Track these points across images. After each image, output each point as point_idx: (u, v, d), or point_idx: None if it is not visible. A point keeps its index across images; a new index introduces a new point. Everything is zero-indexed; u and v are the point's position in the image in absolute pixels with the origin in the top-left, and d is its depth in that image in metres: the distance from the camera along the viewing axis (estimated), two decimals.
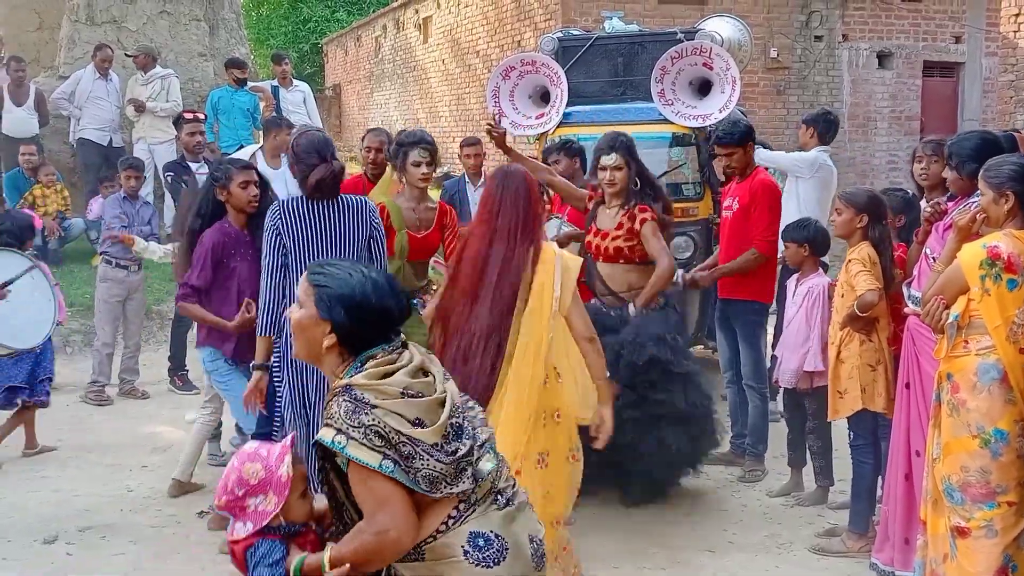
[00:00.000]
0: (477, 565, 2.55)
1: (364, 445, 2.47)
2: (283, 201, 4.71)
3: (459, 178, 8.60)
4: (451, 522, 2.58)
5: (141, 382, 8.42)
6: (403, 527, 2.51)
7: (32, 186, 11.18)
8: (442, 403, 2.59)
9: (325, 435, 2.51)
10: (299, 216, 4.60)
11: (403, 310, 2.67)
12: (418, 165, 5.45)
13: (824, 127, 7.57)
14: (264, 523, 2.66)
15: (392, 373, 2.56)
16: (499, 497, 2.64)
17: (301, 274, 4.40)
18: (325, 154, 4.60)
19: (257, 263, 4.94)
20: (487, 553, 2.56)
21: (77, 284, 10.49)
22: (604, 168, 5.73)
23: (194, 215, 5.55)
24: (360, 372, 2.56)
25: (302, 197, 4.66)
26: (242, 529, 2.68)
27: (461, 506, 2.58)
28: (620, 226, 5.71)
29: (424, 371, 2.64)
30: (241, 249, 5.43)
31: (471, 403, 2.78)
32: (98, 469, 6.61)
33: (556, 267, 4.22)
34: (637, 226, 5.64)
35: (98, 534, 5.58)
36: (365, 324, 2.58)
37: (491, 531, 2.58)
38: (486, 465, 2.62)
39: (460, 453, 2.57)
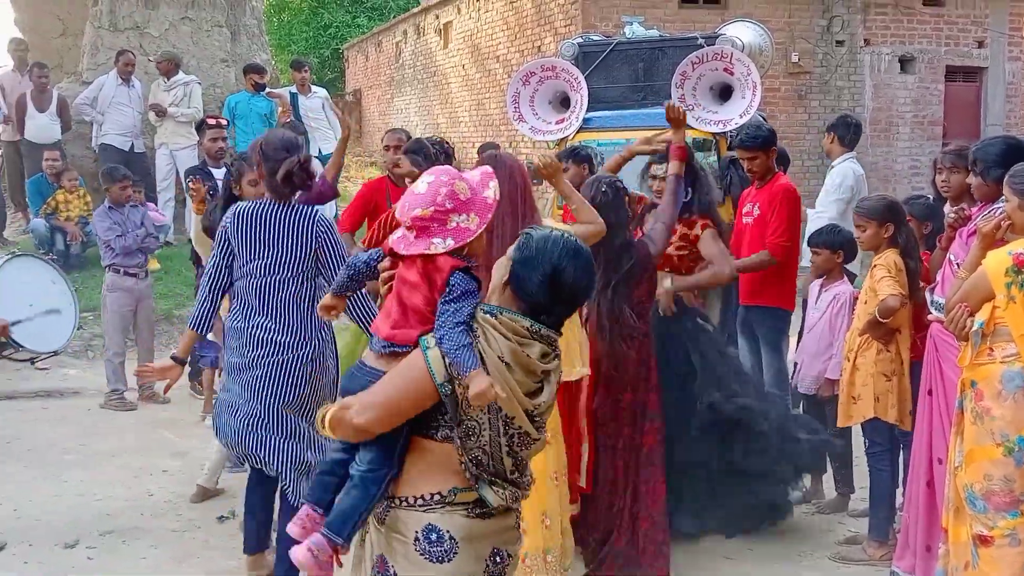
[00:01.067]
0: (421, 555, 2.64)
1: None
2: (237, 206, 4.63)
3: None
4: (419, 502, 2.66)
5: (161, 387, 8.44)
6: (373, 419, 2.64)
7: (55, 191, 11.28)
8: (527, 413, 2.66)
9: (427, 339, 2.69)
10: (248, 222, 4.50)
11: (579, 280, 2.69)
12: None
13: (845, 132, 7.51)
14: (466, 240, 2.75)
15: (508, 337, 2.63)
16: (476, 507, 2.69)
17: (246, 278, 4.45)
18: (293, 150, 4.51)
19: None
20: (434, 548, 2.64)
21: (99, 289, 10.52)
22: (655, 177, 5.59)
23: (221, 210, 5.61)
24: (494, 314, 2.67)
25: (256, 203, 4.57)
26: (441, 244, 2.75)
27: (437, 496, 2.66)
28: (674, 232, 5.44)
29: (537, 380, 2.68)
30: None
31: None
32: (119, 473, 6.64)
33: None
34: (698, 231, 5.50)
35: (119, 538, 5.61)
36: (530, 268, 2.66)
37: (447, 530, 2.64)
38: (489, 495, 2.68)
39: (484, 444, 2.65)
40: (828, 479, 6.05)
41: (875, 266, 5.06)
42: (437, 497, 2.66)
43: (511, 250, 2.73)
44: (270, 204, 4.52)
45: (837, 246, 5.84)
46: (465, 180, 2.78)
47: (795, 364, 6.13)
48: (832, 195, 7.61)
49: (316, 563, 2.72)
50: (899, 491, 5.34)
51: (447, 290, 2.70)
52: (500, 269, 2.74)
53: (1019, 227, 4.02)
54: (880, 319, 4.93)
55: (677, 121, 5.32)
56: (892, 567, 4.96)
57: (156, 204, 11.54)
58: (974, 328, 4.00)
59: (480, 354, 2.60)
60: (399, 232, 2.82)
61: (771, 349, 6.36)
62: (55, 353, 8.83)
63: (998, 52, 16.54)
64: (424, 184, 2.77)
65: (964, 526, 4.07)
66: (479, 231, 2.77)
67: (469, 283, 2.72)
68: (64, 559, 5.35)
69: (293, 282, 4.48)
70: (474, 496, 2.66)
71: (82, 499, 6.18)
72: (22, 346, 6.56)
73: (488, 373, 2.58)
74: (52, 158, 11.48)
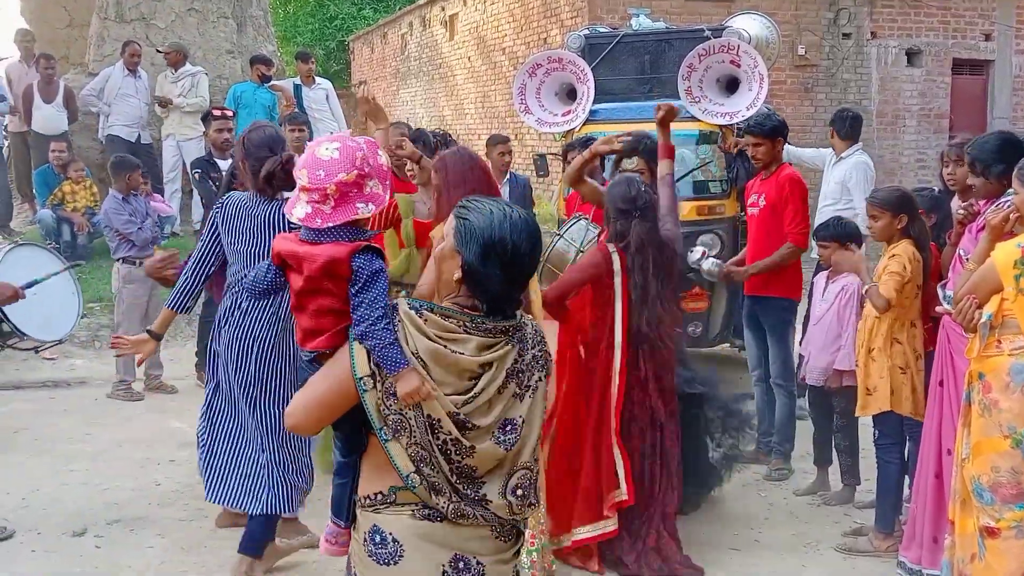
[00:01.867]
0: (368, 556, 2.60)
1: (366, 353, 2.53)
2: (228, 196, 4.72)
3: None
4: (367, 502, 2.61)
5: (168, 377, 8.47)
6: (301, 418, 2.60)
7: (61, 182, 11.29)
8: (454, 416, 2.50)
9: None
10: (237, 214, 4.60)
11: (535, 257, 2.59)
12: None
13: (842, 125, 7.50)
14: (381, 206, 2.70)
15: (430, 338, 2.49)
16: (423, 509, 2.56)
17: (232, 268, 4.54)
18: (276, 148, 4.57)
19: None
20: (379, 550, 2.57)
21: (105, 279, 10.56)
22: (625, 171, 5.65)
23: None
24: (419, 311, 2.53)
25: (246, 196, 4.65)
26: (365, 209, 2.66)
27: (379, 496, 2.58)
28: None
29: (472, 377, 2.51)
30: None
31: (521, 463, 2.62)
32: (127, 463, 6.67)
33: None
34: None
35: (126, 527, 5.63)
36: (489, 263, 2.50)
37: (390, 532, 2.56)
38: (424, 494, 2.53)
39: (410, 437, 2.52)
40: (834, 470, 6.05)
41: (893, 255, 5.05)
42: (380, 496, 2.58)
43: (453, 241, 2.54)
44: (257, 199, 4.59)
45: (845, 239, 5.81)
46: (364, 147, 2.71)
47: (801, 356, 6.13)
48: (859, 190, 7.56)
49: (336, 546, 2.83)
50: (905, 483, 5.35)
51: (353, 277, 2.58)
52: (444, 263, 2.57)
53: None
54: (871, 300, 5.00)
55: (665, 123, 5.35)
56: (899, 557, 4.96)
57: (162, 195, 11.56)
58: (982, 320, 4.00)
59: None
60: (303, 207, 2.65)
61: (778, 340, 6.37)
62: (59, 342, 8.84)
63: (1005, 45, 16.49)
64: (333, 149, 2.65)
65: (971, 518, 4.07)
66: (387, 196, 2.71)
67: (373, 261, 2.59)
68: (72, 548, 5.37)
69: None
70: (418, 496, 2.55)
71: (89, 489, 6.20)
72: (26, 335, 6.56)
73: None
74: (59, 149, 11.49)
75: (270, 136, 4.67)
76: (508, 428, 2.56)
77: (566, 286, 4.96)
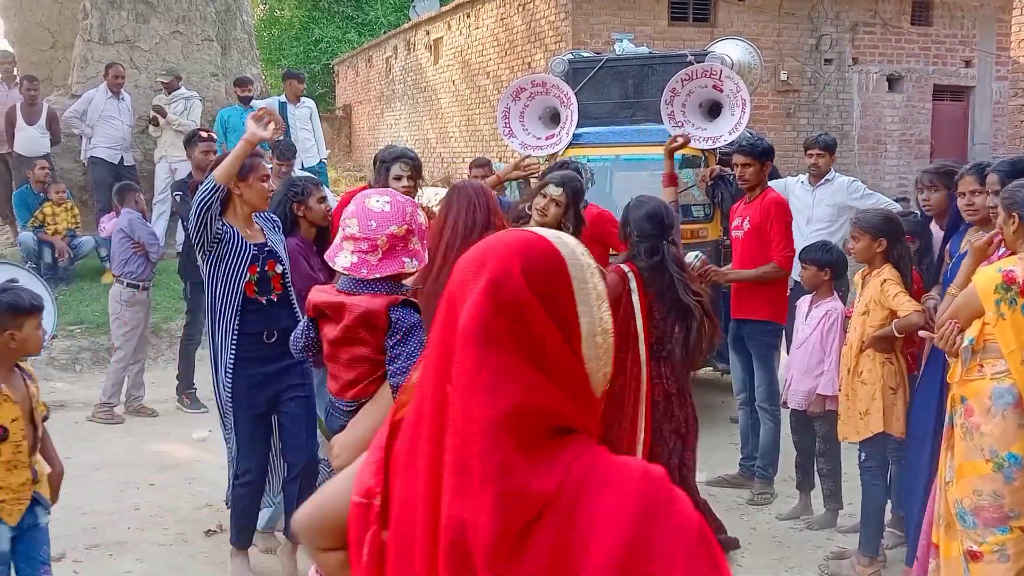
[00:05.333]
0: None
1: None
2: None
3: None
4: None
5: (149, 400, 8.42)
6: (349, 459, 2.60)
7: (42, 204, 11.23)
8: None
9: None
10: None
11: None
12: (399, 179, 5.46)
13: (835, 146, 7.65)
14: (424, 262, 2.76)
15: None
16: None
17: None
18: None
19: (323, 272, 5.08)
20: None
21: (87, 302, 10.53)
22: (545, 196, 5.63)
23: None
24: None
25: None
26: (410, 264, 2.71)
27: None
28: None
29: None
30: (312, 259, 5.46)
31: None
32: (106, 487, 6.60)
33: None
34: None
35: (105, 551, 5.57)
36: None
37: None
38: None
39: None
40: (817, 494, 6.05)
41: (885, 280, 5.05)
42: None
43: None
44: None
45: (825, 263, 5.83)
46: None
47: (784, 380, 6.13)
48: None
49: None
50: (888, 506, 5.35)
51: (390, 329, 2.59)
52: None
53: (1008, 242, 4.04)
54: (897, 334, 4.94)
55: (669, 152, 5.64)
56: None
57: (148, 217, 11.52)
58: (964, 344, 4.02)
59: None
60: (347, 256, 2.66)
61: (763, 363, 6.37)
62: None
63: (985, 71, 16.66)
64: (384, 202, 2.68)
65: (955, 542, 4.08)
66: (425, 254, 2.76)
67: (411, 315, 2.62)
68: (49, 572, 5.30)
69: None
70: None
71: (68, 512, 6.11)
72: None
73: None
74: (42, 166, 11.41)
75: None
76: None
77: None
